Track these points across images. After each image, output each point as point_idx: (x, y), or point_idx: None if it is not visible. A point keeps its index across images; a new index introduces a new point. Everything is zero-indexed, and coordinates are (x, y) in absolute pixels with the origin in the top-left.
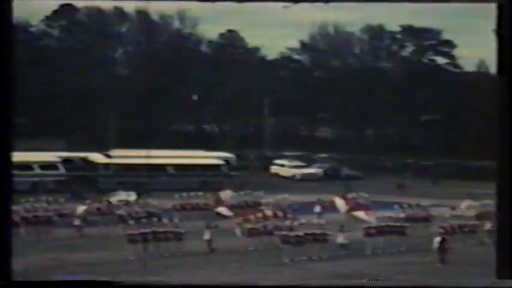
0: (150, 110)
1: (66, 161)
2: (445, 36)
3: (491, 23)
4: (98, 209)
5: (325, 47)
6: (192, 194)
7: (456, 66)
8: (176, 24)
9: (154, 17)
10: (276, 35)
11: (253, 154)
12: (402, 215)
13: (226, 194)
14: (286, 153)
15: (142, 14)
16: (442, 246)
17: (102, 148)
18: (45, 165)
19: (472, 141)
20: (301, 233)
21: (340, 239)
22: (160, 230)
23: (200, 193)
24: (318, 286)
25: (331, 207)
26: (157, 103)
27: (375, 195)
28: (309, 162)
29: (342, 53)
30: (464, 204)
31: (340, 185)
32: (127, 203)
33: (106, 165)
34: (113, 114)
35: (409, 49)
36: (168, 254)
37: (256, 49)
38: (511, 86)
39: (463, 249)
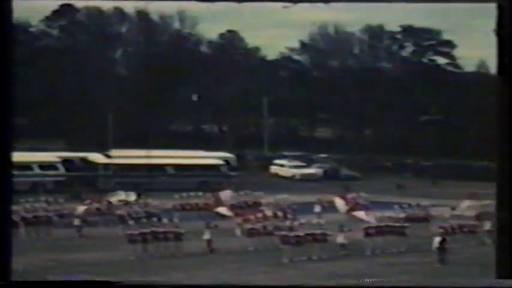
0: (150, 110)
1: (66, 161)
2: (445, 36)
3: (491, 23)
4: (98, 209)
5: (325, 47)
6: (191, 194)
7: (456, 66)
8: (176, 24)
9: (154, 17)
10: (275, 35)
11: (252, 154)
12: (402, 215)
13: (226, 194)
14: (286, 153)
15: (142, 15)
16: (442, 247)
17: (102, 148)
18: (45, 166)
19: (472, 142)
20: (301, 233)
21: (340, 239)
22: (160, 230)
23: (200, 193)
24: (318, 286)
25: (331, 207)
26: (157, 103)
27: (374, 195)
28: (309, 163)
29: (342, 53)
30: (464, 204)
31: (340, 185)
32: (127, 203)
33: (106, 165)
34: (113, 114)
35: (409, 49)
36: (168, 254)
37: (256, 49)
38: (511, 86)
39: (463, 250)
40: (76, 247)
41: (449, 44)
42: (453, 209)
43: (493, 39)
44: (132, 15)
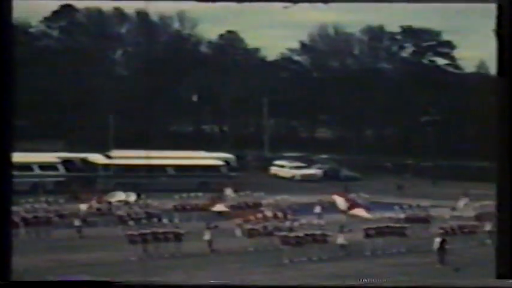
0: (150, 110)
1: (66, 161)
2: (445, 36)
3: (491, 23)
4: (98, 209)
5: (325, 48)
6: (192, 194)
7: (456, 67)
8: (176, 25)
9: (154, 18)
10: (275, 36)
11: (253, 155)
12: (402, 215)
13: (226, 194)
14: (286, 154)
15: (142, 15)
16: (442, 247)
17: (102, 149)
18: (45, 166)
19: (472, 142)
20: (301, 234)
21: (340, 239)
22: (160, 230)
23: (200, 194)
24: (318, 286)
25: (331, 208)
26: (157, 104)
27: (374, 196)
28: (309, 163)
29: (342, 53)
30: (461, 202)
31: (340, 186)
32: (127, 203)
33: (106, 165)
34: (113, 114)
35: (408, 50)
36: (168, 254)
37: (256, 50)
38: (511, 87)
39: (463, 250)
40: (76, 247)
41: (449, 44)
42: (453, 209)
43: (493, 40)
44: (132, 15)
